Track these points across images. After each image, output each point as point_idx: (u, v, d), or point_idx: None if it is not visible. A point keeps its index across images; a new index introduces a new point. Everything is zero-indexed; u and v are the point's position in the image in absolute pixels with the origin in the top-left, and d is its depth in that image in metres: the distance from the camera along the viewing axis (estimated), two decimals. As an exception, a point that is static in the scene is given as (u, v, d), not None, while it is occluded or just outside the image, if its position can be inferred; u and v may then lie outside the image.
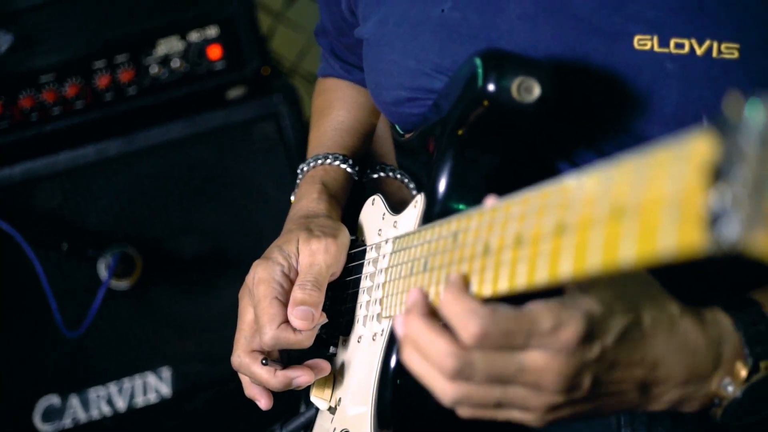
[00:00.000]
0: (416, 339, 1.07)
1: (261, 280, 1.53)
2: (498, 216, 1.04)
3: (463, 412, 1.09)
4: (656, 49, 1.22)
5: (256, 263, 1.56)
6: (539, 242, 0.92)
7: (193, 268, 2.55)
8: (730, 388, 1.08)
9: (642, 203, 0.76)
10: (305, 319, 1.49)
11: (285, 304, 1.52)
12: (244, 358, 1.54)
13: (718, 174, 0.67)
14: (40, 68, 2.39)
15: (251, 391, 1.60)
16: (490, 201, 1.08)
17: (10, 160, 2.41)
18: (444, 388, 1.06)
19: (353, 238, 1.59)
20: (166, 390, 2.58)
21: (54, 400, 2.52)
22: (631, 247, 0.77)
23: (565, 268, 0.87)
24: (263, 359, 1.51)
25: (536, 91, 1.18)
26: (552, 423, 1.10)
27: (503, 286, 0.99)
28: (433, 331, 1.04)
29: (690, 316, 1.08)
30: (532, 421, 1.09)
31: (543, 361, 1.01)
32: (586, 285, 1.03)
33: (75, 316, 2.41)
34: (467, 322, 0.99)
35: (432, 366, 1.05)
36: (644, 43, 1.23)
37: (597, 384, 1.04)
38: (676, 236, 0.71)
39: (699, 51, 1.20)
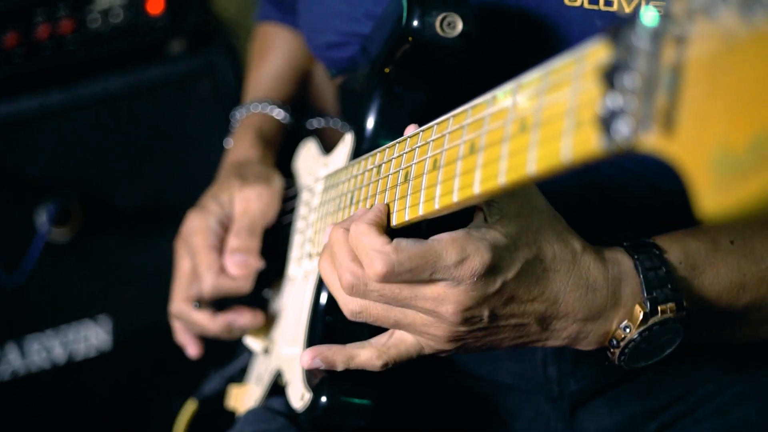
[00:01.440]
0: (332, 247, 1.10)
1: (196, 229, 1.54)
2: (416, 143, 1.06)
3: (375, 358, 1.15)
4: (586, 5, 1.23)
5: (190, 213, 1.58)
6: (454, 163, 0.94)
7: (132, 219, 2.54)
8: (628, 330, 1.10)
9: (544, 113, 0.79)
10: (241, 265, 1.51)
11: (221, 251, 1.53)
12: (183, 306, 1.56)
13: (612, 76, 0.69)
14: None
15: (181, 338, 1.61)
16: (411, 128, 1.10)
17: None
18: (345, 300, 1.11)
19: (289, 184, 1.61)
20: (106, 339, 2.57)
21: (-10, 347, 2.50)
22: (535, 157, 0.79)
23: (476, 187, 0.89)
24: (195, 302, 1.52)
25: (459, 26, 1.20)
26: (457, 352, 1.13)
27: (420, 212, 1.01)
28: (346, 245, 1.07)
29: (592, 254, 1.09)
30: (435, 348, 1.12)
31: (442, 291, 1.03)
32: (492, 216, 1.05)
33: (14, 266, 2.39)
34: (372, 260, 1.01)
35: (336, 277, 1.10)
36: None
37: (496, 316, 1.06)
38: (573, 140, 0.74)
39: (627, 8, 1.22)
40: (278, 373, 1.47)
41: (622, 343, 1.11)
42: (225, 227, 1.55)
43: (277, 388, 1.49)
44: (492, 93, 0.90)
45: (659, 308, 1.09)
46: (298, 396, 1.32)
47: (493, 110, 0.89)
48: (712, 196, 0.61)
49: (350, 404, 1.25)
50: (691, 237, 1.17)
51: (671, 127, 0.65)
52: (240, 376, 1.69)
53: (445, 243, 1.00)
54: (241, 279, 1.51)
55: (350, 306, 1.10)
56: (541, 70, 0.81)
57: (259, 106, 1.73)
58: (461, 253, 1.00)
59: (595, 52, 0.73)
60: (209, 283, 1.50)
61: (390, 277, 1.01)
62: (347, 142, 1.41)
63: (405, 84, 1.31)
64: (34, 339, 2.53)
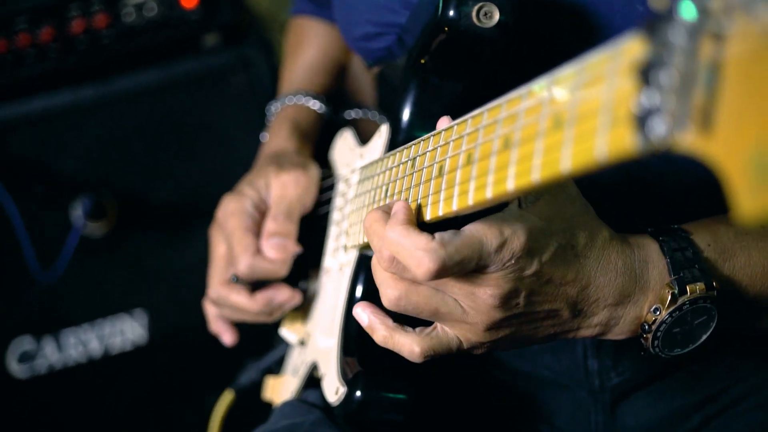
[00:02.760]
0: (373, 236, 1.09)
1: (231, 212, 1.54)
2: (451, 136, 1.05)
3: (414, 344, 1.12)
4: None
5: (225, 197, 1.58)
6: (488, 158, 0.94)
7: (167, 213, 2.56)
8: (658, 313, 1.10)
9: (579, 109, 0.78)
10: (279, 249, 1.51)
11: (257, 235, 1.53)
12: (221, 290, 1.56)
13: (648, 72, 0.69)
14: (14, 12, 2.39)
15: (216, 326, 1.61)
16: (444, 121, 1.09)
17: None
18: (386, 285, 1.09)
19: (326, 174, 1.61)
20: (142, 333, 2.59)
21: (28, 341, 2.53)
22: (570, 154, 0.78)
23: (510, 183, 0.89)
24: (232, 276, 1.51)
25: (496, 16, 1.19)
26: (493, 347, 1.13)
27: (454, 207, 1.01)
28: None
29: (618, 240, 1.10)
30: (473, 341, 1.11)
31: (483, 277, 1.03)
32: (527, 201, 1.05)
33: (50, 261, 2.42)
34: (420, 259, 1.00)
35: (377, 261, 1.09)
36: None
37: (531, 302, 1.07)
38: (608, 138, 0.73)
39: None
40: (314, 365, 1.47)
41: (653, 327, 1.11)
42: (261, 212, 1.55)
43: (313, 380, 1.49)
44: (527, 87, 0.89)
45: (688, 288, 1.09)
46: (333, 390, 1.32)
47: (528, 105, 0.88)
48: (751, 197, 0.60)
49: (386, 399, 1.25)
50: (719, 222, 1.16)
51: (709, 127, 0.64)
52: (277, 368, 1.69)
53: (484, 229, 1.01)
54: (278, 263, 1.50)
55: (389, 294, 1.09)
56: (576, 64, 0.81)
57: (294, 98, 1.74)
58: (500, 237, 1.01)
59: (631, 48, 0.72)
60: (245, 263, 1.50)
61: (441, 273, 1.00)
62: (383, 133, 1.41)
63: (441, 75, 1.31)
64: (71, 333, 2.56)
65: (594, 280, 1.08)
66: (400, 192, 1.17)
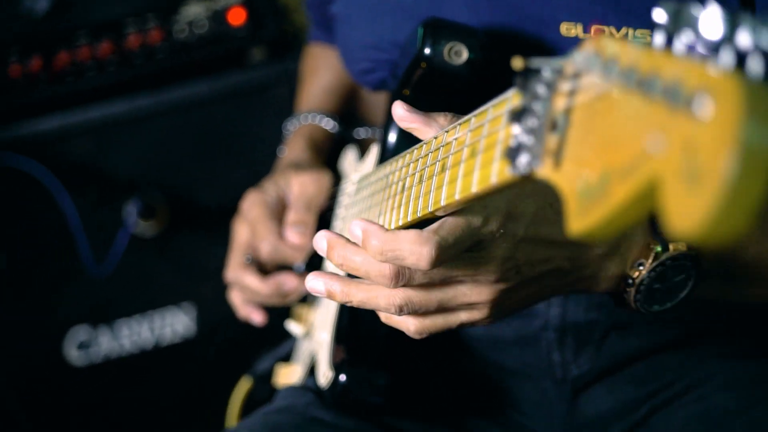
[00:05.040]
0: (349, 265, 1.13)
1: (255, 203, 1.73)
2: (412, 158, 1.23)
3: (414, 325, 1.17)
4: (581, 35, 1.36)
5: (249, 192, 1.77)
6: (431, 178, 1.11)
7: (214, 217, 2.74)
8: (641, 267, 1.19)
9: (485, 144, 0.95)
10: (300, 235, 1.69)
11: (279, 223, 1.71)
12: (237, 271, 1.75)
13: (520, 117, 0.86)
14: (76, 28, 2.60)
15: (244, 310, 1.80)
16: (398, 106, 1.22)
17: (48, 113, 2.60)
18: (387, 300, 1.13)
19: (335, 183, 1.79)
20: (191, 326, 2.80)
21: (85, 330, 2.73)
22: (476, 177, 0.96)
23: (443, 199, 1.06)
24: (247, 256, 1.70)
25: (464, 54, 1.36)
26: (505, 316, 1.20)
27: (412, 217, 1.17)
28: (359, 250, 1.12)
29: None
30: (483, 319, 1.17)
31: (478, 254, 1.10)
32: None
33: (103, 257, 2.63)
34: (419, 249, 1.04)
35: (372, 284, 1.13)
36: (570, 29, 1.37)
37: (530, 262, 1.14)
38: (498, 167, 0.90)
39: (617, 36, 1.33)
40: (314, 354, 1.66)
41: (636, 281, 1.19)
42: (282, 206, 1.74)
43: (314, 369, 1.68)
44: (457, 123, 1.07)
45: (671, 246, 1.18)
46: (323, 375, 1.50)
47: (458, 136, 1.06)
48: (575, 219, 0.77)
49: (367, 383, 1.42)
50: None
51: (559, 162, 0.81)
52: (289, 357, 1.88)
53: (464, 213, 1.08)
54: (299, 248, 1.69)
55: (394, 301, 1.13)
56: (488, 104, 0.98)
57: (309, 116, 1.93)
58: (482, 212, 1.08)
59: (515, 96, 0.89)
60: (270, 243, 1.68)
61: (441, 256, 1.04)
62: (372, 152, 1.59)
63: (421, 104, 1.47)
64: (124, 324, 2.75)
65: None
66: (377, 204, 1.35)
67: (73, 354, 2.74)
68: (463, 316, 1.17)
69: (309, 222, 1.72)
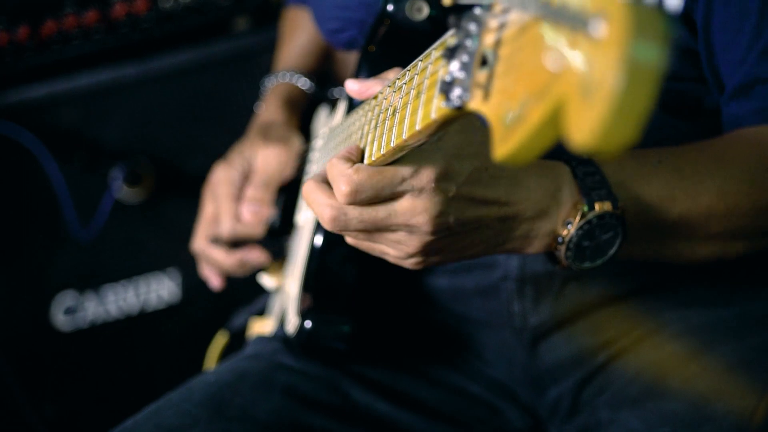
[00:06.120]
0: (308, 195, 1.24)
1: (222, 180, 1.80)
2: (370, 107, 1.28)
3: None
4: None
5: (218, 165, 1.83)
6: (383, 123, 1.17)
7: (199, 185, 2.76)
8: (570, 226, 1.25)
9: (428, 83, 1.00)
10: (253, 213, 1.76)
11: (240, 200, 1.79)
12: (203, 244, 1.81)
13: (453, 54, 0.90)
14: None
15: (205, 272, 1.87)
16: (350, 82, 1.29)
17: (35, 81, 2.64)
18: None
19: (307, 143, 1.84)
20: (176, 291, 2.84)
21: (72, 295, 2.77)
22: (420, 115, 1.01)
23: (392, 140, 1.11)
24: (212, 238, 1.77)
25: (425, 10, 1.41)
26: (433, 264, 1.28)
27: (383, 150, 1.20)
28: (318, 189, 1.23)
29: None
30: (412, 263, 1.26)
31: (410, 203, 1.17)
32: (439, 136, 1.18)
33: (90, 224, 2.68)
34: (338, 184, 1.15)
35: (318, 214, 1.23)
36: None
37: (460, 220, 1.20)
38: (436, 104, 0.95)
39: None
40: (284, 306, 1.71)
41: (566, 239, 1.26)
42: (246, 178, 1.81)
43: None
44: (406, 69, 1.12)
45: (596, 205, 1.24)
46: (290, 322, 1.55)
47: (406, 80, 1.11)
48: (499, 145, 0.81)
49: (330, 329, 1.48)
50: (623, 158, 1.30)
51: (488, 95, 0.86)
52: (264, 311, 1.94)
53: (400, 163, 1.16)
54: (254, 225, 1.76)
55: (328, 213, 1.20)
56: (431, 47, 1.03)
57: (287, 75, 1.99)
58: (415, 164, 1.15)
59: (451, 36, 0.94)
60: (227, 227, 1.77)
61: (355, 195, 1.15)
62: (340, 106, 1.64)
63: (386, 60, 1.52)
64: (110, 289, 2.79)
65: (511, 196, 1.22)
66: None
67: (60, 319, 2.78)
68: (389, 251, 1.24)
69: (265, 199, 1.80)
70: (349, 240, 1.27)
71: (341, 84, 1.97)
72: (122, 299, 2.80)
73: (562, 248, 1.27)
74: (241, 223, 1.79)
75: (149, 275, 2.81)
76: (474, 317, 1.66)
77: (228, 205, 1.80)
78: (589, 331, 1.61)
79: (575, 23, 0.69)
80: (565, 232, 1.26)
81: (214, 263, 1.84)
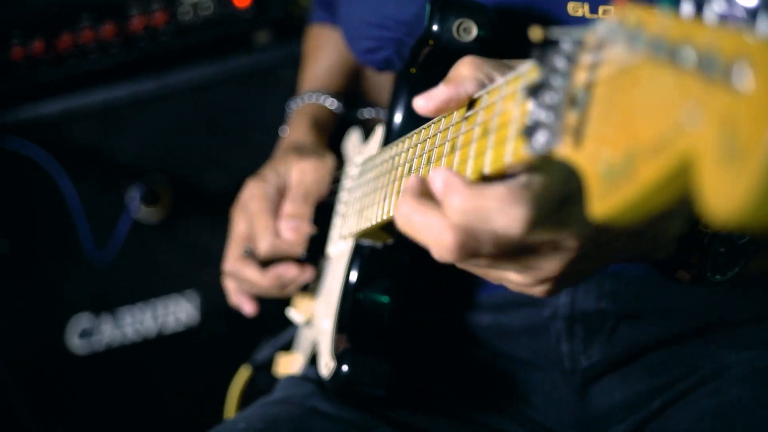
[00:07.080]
0: (409, 218, 0.98)
1: (254, 196, 1.70)
2: (419, 138, 1.18)
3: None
4: (588, 15, 1.32)
5: (249, 181, 1.73)
6: (439, 159, 1.06)
7: (219, 203, 2.68)
8: (707, 228, 1.12)
9: (498, 122, 0.90)
10: (294, 230, 1.65)
11: (277, 217, 1.68)
12: (236, 264, 1.71)
13: (537, 93, 0.80)
14: (79, 9, 2.54)
15: (235, 298, 1.76)
16: (419, 100, 1.14)
17: (50, 96, 2.56)
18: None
19: (338, 166, 1.74)
20: (194, 314, 2.75)
21: (87, 318, 2.69)
22: (489, 157, 0.90)
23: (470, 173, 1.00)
24: (245, 250, 1.66)
25: (474, 31, 1.31)
26: (560, 290, 1.07)
27: None
28: (424, 208, 0.97)
29: None
30: (541, 290, 1.06)
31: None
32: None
33: (105, 243, 2.59)
34: (510, 209, 0.90)
35: (431, 242, 0.97)
36: (577, 9, 1.33)
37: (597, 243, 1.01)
38: (513, 147, 0.85)
39: None
40: (315, 343, 1.61)
41: (705, 241, 1.13)
42: (281, 195, 1.70)
43: (315, 358, 1.63)
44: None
45: None
46: (324, 365, 1.45)
47: (468, 115, 1.00)
48: (598, 202, 0.71)
49: (369, 374, 1.38)
50: None
51: (580, 141, 0.75)
52: (290, 345, 1.83)
53: (526, 179, 0.91)
54: (294, 243, 1.65)
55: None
56: (501, 81, 0.92)
57: (313, 96, 1.88)
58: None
59: (531, 71, 0.84)
60: (267, 243, 1.66)
61: (536, 219, 0.91)
62: (377, 133, 1.54)
63: (428, 83, 1.42)
64: (127, 311, 2.71)
65: None
66: (384, 186, 1.30)
67: (75, 342, 2.70)
68: (514, 278, 1.04)
69: (304, 214, 1.68)
70: (462, 265, 1.03)
71: (371, 104, 1.88)
72: (139, 322, 2.71)
73: (696, 255, 1.14)
74: (279, 239, 1.67)
75: (167, 297, 2.72)
76: (520, 358, 1.56)
77: (265, 221, 1.68)
78: (644, 374, 1.52)
79: (708, 69, 0.58)
80: (701, 235, 1.13)
81: (248, 283, 1.72)
